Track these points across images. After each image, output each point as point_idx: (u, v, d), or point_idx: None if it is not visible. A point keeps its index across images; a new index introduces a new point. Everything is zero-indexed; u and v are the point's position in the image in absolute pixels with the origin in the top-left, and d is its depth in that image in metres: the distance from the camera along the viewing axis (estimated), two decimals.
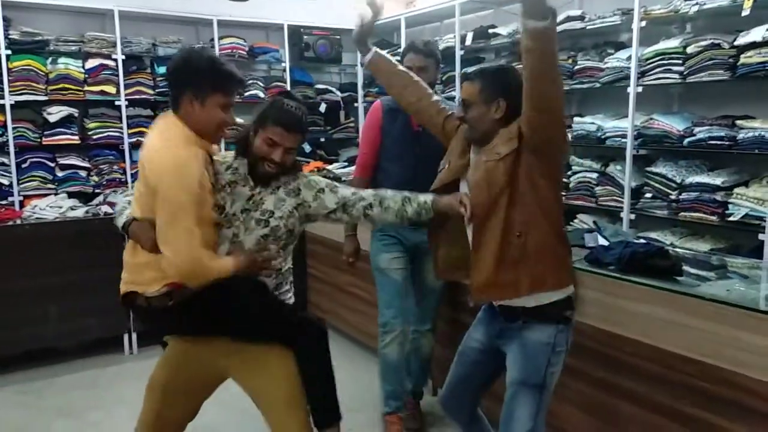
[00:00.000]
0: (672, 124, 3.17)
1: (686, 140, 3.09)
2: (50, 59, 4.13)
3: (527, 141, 1.82)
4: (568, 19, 3.61)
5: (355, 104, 5.49)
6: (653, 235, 3.23)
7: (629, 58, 3.31)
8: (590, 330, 2.29)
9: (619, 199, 3.41)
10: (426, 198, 2.00)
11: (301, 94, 5.12)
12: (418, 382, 3.02)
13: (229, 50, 4.77)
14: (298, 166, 2.05)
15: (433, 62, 2.72)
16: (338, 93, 5.41)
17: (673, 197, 3.16)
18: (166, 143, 1.79)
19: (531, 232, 1.85)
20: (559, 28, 3.61)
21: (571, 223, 3.59)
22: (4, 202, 3.90)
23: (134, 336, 3.83)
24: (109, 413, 3.08)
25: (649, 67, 3.23)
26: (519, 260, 1.86)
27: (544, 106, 1.74)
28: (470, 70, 2.05)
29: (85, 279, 3.63)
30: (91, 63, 4.24)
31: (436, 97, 2.28)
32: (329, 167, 4.58)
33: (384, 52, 2.32)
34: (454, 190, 2.02)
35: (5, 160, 3.97)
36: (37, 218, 3.69)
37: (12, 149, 3.96)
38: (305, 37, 5.10)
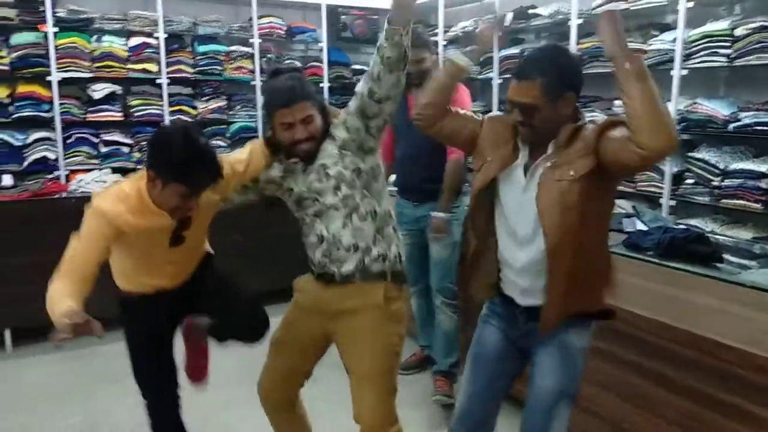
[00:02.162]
0: (717, 108, 3.09)
1: (731, 125, 3.02)
2: (95, 37, 4.22)
3: (604, 160, 1.62)
4: None
5: None
6: (693, 221, 3.17)
7: (674, 40, 3.23)
8: (626, 315, 2.28)
9: (659, 184, 3.35)
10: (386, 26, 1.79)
11: (336, 75, 5.15)
12: (444, 358, 3.08)
13: (268, 29, 4.80)
14: (331, 117, 1.97)
15: (426, 52, 2.86)
16: None
17: (715, 183, 3.09)
18: (109, 189, 1.96)
19: (596, 249, 1.74)
20: (602, 9, 3.57)
21: None
22: (50, 176, 4.03)
23: None
24: None
25: (694, 49, 3.15)
26: (589, 282, 1.73)
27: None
28: (520, 65, 1.75)
29: None
30: (134, 41, 4.32)
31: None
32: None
33: None
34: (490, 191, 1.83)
35: (52, 135, 4.09)
36: (82, 192, 3.81)
37: (59, 125, 4.08)
38: (342, 17, 5.10)
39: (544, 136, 1.71)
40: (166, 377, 2.23)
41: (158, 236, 1.95)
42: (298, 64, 4.96)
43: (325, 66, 5.04)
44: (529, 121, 1.68)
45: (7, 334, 3.57)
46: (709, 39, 3.09)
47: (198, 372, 2.36)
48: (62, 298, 1.69)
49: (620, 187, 3.55)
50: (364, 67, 5.35)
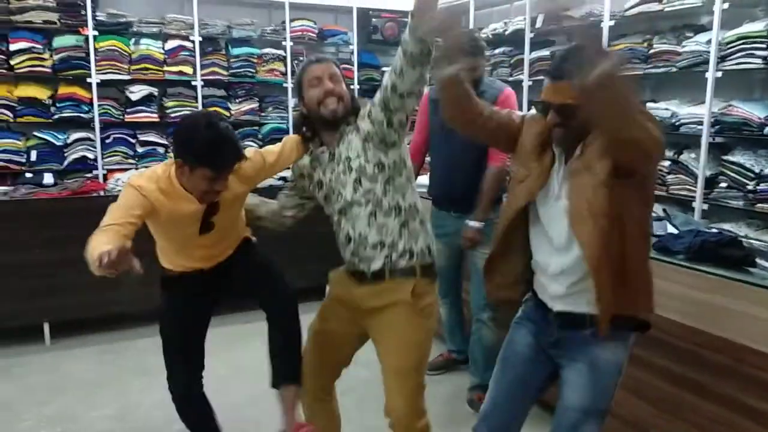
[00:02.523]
0: (752, 111, 3.04)
1: (767, 129, 2.96)
2: (133, 40, 4.35)
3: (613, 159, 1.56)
4: (645, 0, 3.50)
5: None
6: (726, 226, 3.12)
7: (709, 41, 3.19)
8: (656, 319, 2.23)
9: (692, 188, 3.30)
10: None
11: (366, 77, 5.19)
12: (484, 372, 2.92)
13: (300, 33, 4.87)
14: (354, 107, 1.99)
15: (482, 60, 2.81)
16: None
17: (750, 187, 3.04)
18: (146, 174, 1.99)
19: (636, 257, 1.66)
20: (635, 10, 3.54)
21: None
22: (89, 175, 4.16)
23: None
24: None
25: (730, 51, 3.10)
26: (631, 289, 1.67)
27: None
28: (554, 65, 1.66)
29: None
30: (171, 44, 4.43)
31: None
32: None
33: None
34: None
35: (91, 136, 4.23)
36: (119, 191, 3.90)
37: (97, 125, 4.21)
38: (373, 19, 5.14)
39: (578, 139, 1.63)
40: (192, 355, 2.31)
41: (188, 222, 2.01)
42: None
43: (355, 68, 5.09)
44: (567, 123, 1.59)
45: (46, 327, 3.68)
46: (744, 40, 3.04)
47: None
48: (101, 245, 1.74)
49: None
50: None
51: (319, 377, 2.19)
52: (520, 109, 4.40)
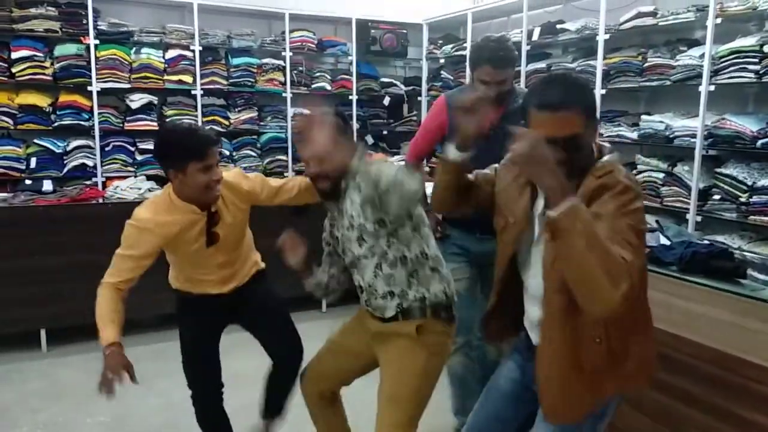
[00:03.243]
0: (745, 124, 3.07)
1: (760, 141, 2.99)
2: (134, 49, 4.38)
3: None
4: (639, 15, 3.55)
5: (419, 98, 5.55)
6: (720, 238, 3.15)
7: (702, 55, 3.23)
8: None
9: (686, 200, 3.33)
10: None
11: (365, 87, 5.24)
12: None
13: (299, 43, 4.91)
14: (361, 159, 1.93)
15: (512, 71, 2.43)
16: (402, 87, 5.48)
17: (743, 200, 3.07)
18: (145, 203, 2.17)
19: (614, 332, 1.49)
20: (630, 24, 3.59)
21: None
22: (89, 183, 4.18)
23: None
24: (176, 383, 3.24)
25: (723, 65, 3.14)
26: (600, 367, 1.50)
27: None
28: (545, 95, 1.46)
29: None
30: (171, 53, 4.47)
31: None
32: (390, 160, 4.66)
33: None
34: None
35: (91, 143, 4.25)
36: (118, 198, 3.95)
37: (97, 133, 4.24)
38: (372, 31, 5.18)
39: (575, 174, 1.45)
40: (212, 370, 2.40)
41: (194, 236, 2.12)
42: (328, 77, 5.07)
43: (354, 79, 5.13)
44: (574, 155, 1.43)
45: (43, 334, 3.70)
46: (737, 55, 3.08)
47: None
48: (107, 317, 2.11)
49: (646, 202, 3.55)
50: (393, 80, 5.45)
51: (324, 383, 2.23)
52: None
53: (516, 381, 1.72)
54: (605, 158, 1.51)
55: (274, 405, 2.51)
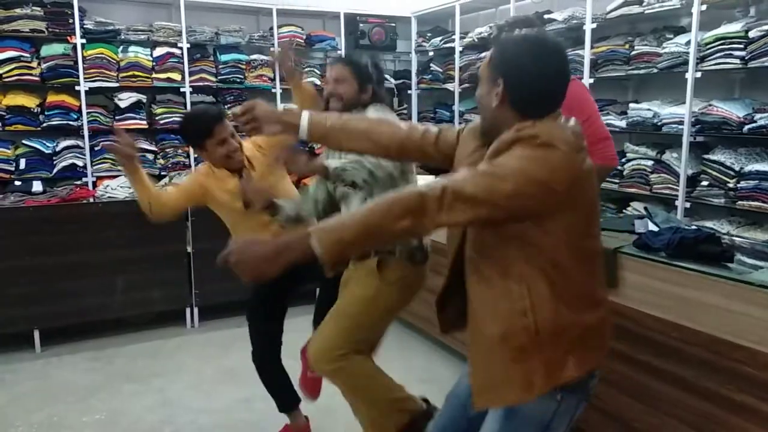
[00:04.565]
0: (732, 110, 3.09)
1: (746, 127, 3.02)
2: (121, 48, 4.36)
3: None
4: (626, 3, 3.56)
5: (409, 91, 5.55)
6: (709, 224, 3.17)
7: (688, 42, 3.24)
8: (637, 314, 2.29)
9: (675, 187, 3.36)
10: None
11: None
12: None
13: (288, 38, 4.90)
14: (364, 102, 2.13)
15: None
16: (392, 80, 5.48)
17: (731, 185, 3.09)
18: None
19: (540, 305, 1.35)
20: (616, 13, 3.60)
21: (624, 210, 3.56)
22: (79, 182, 4.17)
23: (196, 310, 4.04)
24: (171, 380, 3.28)
25: (709, 52, 3.16)
26: (528, 347, 1.36)
27: None
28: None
29: (151, 255, 3.86)
30: (159, 51, 4.45)
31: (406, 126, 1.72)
32: None
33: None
34: None
35: (80, 143, 4.24)
36: (108, 197, 3.94)
37: (86, 133, 4.22)
38: (361, 25, 5.18)
39: (490, 131, 1.43)
40: (273, 323, 2.54)
41: (233, 196, 2.35)
42: (317, 72, 5.07)
43: None
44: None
45: (36, 335, 3.69)
46: (723, 41, 3.10)
47: (312, 385, 2.60)
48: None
49: (635, 189, 3.57)
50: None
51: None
52: None
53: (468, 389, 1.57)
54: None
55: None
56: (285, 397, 2.59)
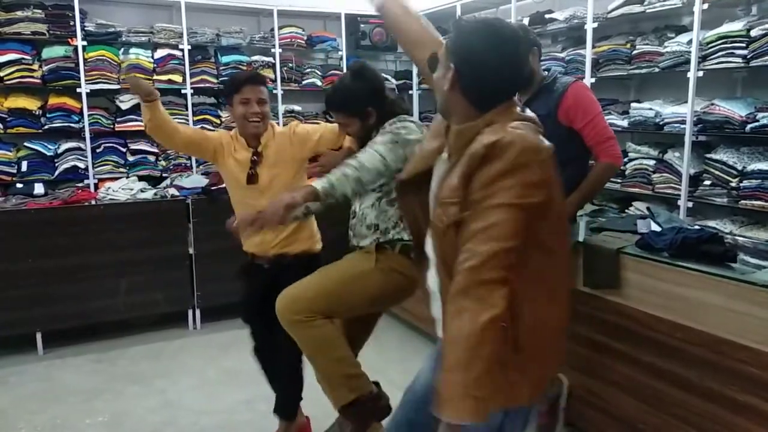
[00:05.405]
0: (734, 109, 3.09)
1: (749, 126, 3.01)
2: (122, 50, 4.36)
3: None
4: (627, 2, 3.55)
5: (410, 92, 5.55)
6: (712, 223, 3.17)
7: (690, 41, 3.23)
8: (640, 315, 2.29)
9: (677, 186, 3.35)
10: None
11: None
12: None
13: (289, 39, 4.90)
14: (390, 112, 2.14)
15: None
16: (393, 81, 5.48)
17: (733, 185, 3.08)
18: None
19: (524, 312, 1.32)
20: (617, 12, 3.60)
21: (627, 210, 3.56)
22: (80, 185, 4.16)
23: (198, 312, 4.04)
24: (174, 381, 3.28)
25: (710, 51, 3.15)
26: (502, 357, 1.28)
27: None
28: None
29: (153, 256, 3.86)
30: (160, 53, 4.45)
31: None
32: None
33: None
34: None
35: (81, 145, 4.24)
36: (110, 199, 3.94)
37: (88, 135, 4.22)
38: (362, 25, 5.17)
39: (443, 112, 1.46)
40: (257, 325, 2.57)
41: (240, 166, 2.40)
42: (318, 73, 5.06)
43: None
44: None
45: (39, 337, 3.69)
46: (724, 40, 3.09)
47: None
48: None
49: (637, 189, 3.57)
50: (384, 75, 5.41)
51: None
52: None
53: (429, 386, 1.49)
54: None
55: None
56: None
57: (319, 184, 1.90)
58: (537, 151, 1.28)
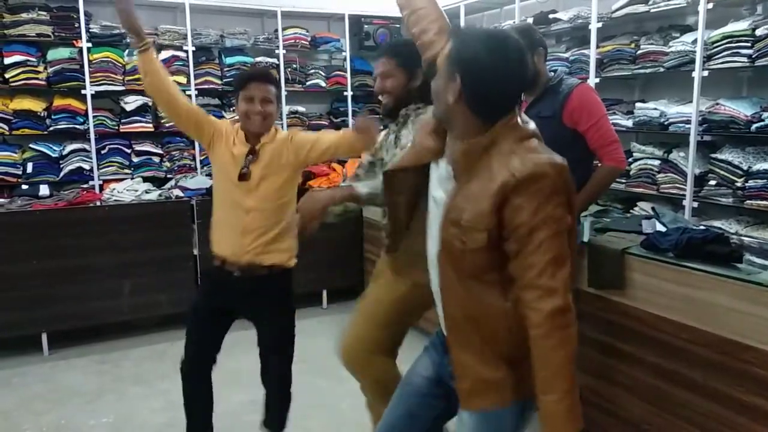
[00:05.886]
0: (739, 109, 3.07)
1: (754, 126, 2.99)
2: (127, 51, 4.37)
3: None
4: (631, 2, 3.54)
5: None
6: (717, 223, 3.15)
7: (695, 41, 3.22)
8: (645, 315, 2.28)
9: (682, 186, 3.33)
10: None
11: (359, 83, 5.23)
12: None
13: (293, 40, 4.90)
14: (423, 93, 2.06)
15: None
16: None
17: (738, 185, 3.06)
18: None
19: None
20: (622, 12, 3.59)
21: (631, 211, 3.54)
22: (85, 186, 4.18)
23: None
24: (177, 383, 3.25)
25: (715, 50, 3.13)
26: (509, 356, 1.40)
27: None
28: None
29: (157, 258, 3.87)
30: (164, 54, 4.46)
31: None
32: None
33: None
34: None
35: (86, 147, 4.25)
36: (115, 200, 3.95)
37: (92, 136, 4.23)
38: (365, 26, 5.17)
39: (443, 122, 1.46)
40: (204, 346, 2.43)
41: (234, 161, 2.31)
42: (322, 73, 5.06)
43: (348, 75, 5.13)
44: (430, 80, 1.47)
45: (44, 338, 3.71)
46: (729, 39, 3.07)
47: None
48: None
49: (642, 189, 3.56)
50: None
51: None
52: None
53: (429, 378, 1.62)
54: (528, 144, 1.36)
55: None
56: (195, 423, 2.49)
57: (363, 188, 1.91)
58: (564, 172, 1.33)
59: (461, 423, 1.49)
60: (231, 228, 2.31)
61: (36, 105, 4.09)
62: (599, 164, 2.47)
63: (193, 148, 4.60)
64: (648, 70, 3.54)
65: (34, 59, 4.06)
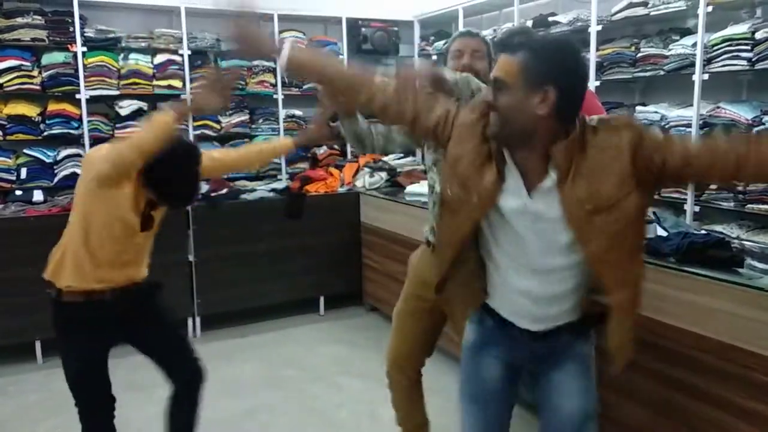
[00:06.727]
0: (740, 112, 3.05)
1: (755, 129, 2.97)
2: (122, 55, 4.35)
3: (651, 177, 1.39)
4: (631, 5, 3.52)
5: None
6: (719, 228, 3.13)
7: (695, 44, 3.20)
8: (647, 321, 2.25)
9: (683, 190, 3.30)
10: None
11: None
12: None
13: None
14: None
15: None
16: None
17: (740, 189, 3.04)
18: None
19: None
20: (621, 15, 3.57)
21: None
22: None
23: (198, 320, 4.01)
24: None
25: (715, 53, 3.11)
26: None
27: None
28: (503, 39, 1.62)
29: (152, 264, 3.78)
30: (159, 58, 4.43)
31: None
32: (384, 158, 4.63)
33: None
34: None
35: (81, 152, 4.21)
36: None
37: (87, 141, 4.20)
38: (363, 29, 5.16)
39: (515, 138, 1.41)
40: (108, 393, 2.37)
41: (134, 206, 2.12)
42: None
43: None
44: (494, 99, 1.40)
45: (38, 345, 3.67)
46: (729, 43, 3.05)
47: None
48: None
49: None
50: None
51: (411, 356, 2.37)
52: None
53: (501, 378, 1.65)
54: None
55: None
56: None
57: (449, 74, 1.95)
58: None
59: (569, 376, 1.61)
60: (116, 267, 2.24)
61: (30, 110, 4.06)
62: None
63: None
64: (648, 74, 3.52)
65: (28, 64, 4.03)
